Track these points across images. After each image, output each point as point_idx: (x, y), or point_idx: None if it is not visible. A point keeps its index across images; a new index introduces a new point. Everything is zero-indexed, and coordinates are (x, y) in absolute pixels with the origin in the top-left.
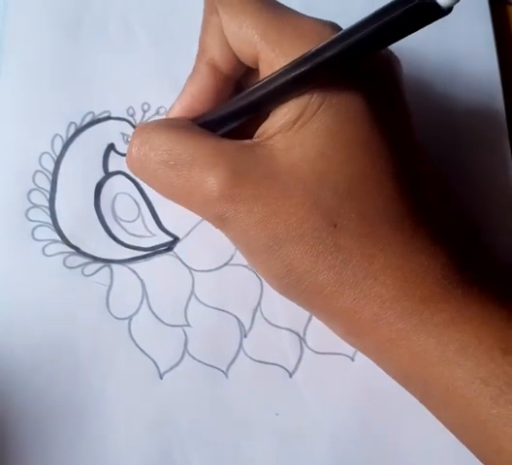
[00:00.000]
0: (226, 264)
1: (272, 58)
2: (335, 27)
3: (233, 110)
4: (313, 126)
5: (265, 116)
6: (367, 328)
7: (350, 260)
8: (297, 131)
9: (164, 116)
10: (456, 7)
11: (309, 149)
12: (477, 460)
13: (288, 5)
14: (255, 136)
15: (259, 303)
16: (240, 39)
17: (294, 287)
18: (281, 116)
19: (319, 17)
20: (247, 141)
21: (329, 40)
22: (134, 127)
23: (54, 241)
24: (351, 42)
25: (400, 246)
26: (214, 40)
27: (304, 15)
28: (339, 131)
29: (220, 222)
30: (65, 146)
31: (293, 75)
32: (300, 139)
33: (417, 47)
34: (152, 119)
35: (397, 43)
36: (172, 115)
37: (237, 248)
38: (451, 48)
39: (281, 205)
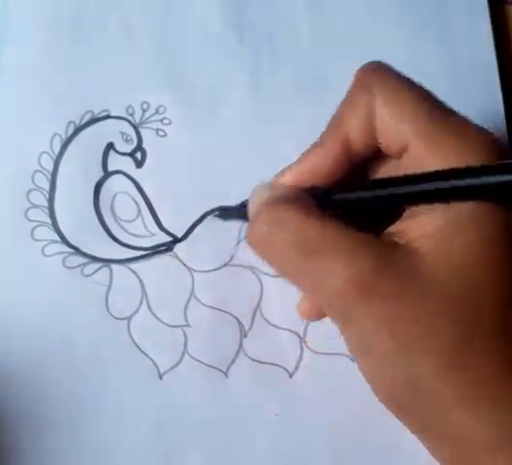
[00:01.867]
0: (226, 265)
1: (425, 157)
2: (498, 142)
3: (368, 198)
4: (464, 234)
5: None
6: (483, 457)
7: (479, 380)
8: (445, 237)
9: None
10: (455, 7)
11: (460, 258)
12: None
13: (292, 4)
14: (391, 231)
15: (259, 304)
16: (392, 127)
17: (409, 401)
18: (427, 220)
19: (319, 17)
20: (388, 239)
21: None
22: (133, 126)
23: (54, 241)
24: None
25: None
26: (357, 117)
27: (465, 119)
28: (494, 243)
29: (342, 313)
30: (64, 146)
31: (454, 184)
32: (449, 246)
33: (416, 47)
34: (152, 118)
35: (397, 42)
36: (282, 180)
37: (349, 345)
38: (450, 48)
39: (417, 311)
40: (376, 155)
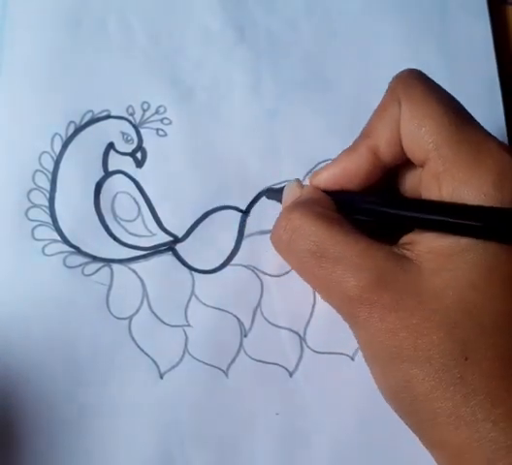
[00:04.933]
0: (226, 264)
1: (440, 173)
2: None
3: (383, 212)
4: (469, 256)
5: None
6: None
7: (473, 397)
8: (450, 256)
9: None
10: (455, 7)
11: (461, 277)
12: None
13: (292, 3)
14: (403, 242)
15: (259, 303)
16: (415, 140)
17: (407, 404)
18: (436, 237)
19: (319, 16)
20: (396, 251)
21: None
22: (134, 126)
23: (54, 241)
24: None
25: None
26: (385, 128)
27: (486, 135)
28: (497, 267)
29: (352, 320)
30: (65, 145)
31: (463, 222)
32: (452, 264)
33: (416, 48)
34: (152, 118)
35: (397, 43)
36: (316, 182)
37: (361, 349)
38: (450, 48)
39: (416, 323)
40: (409, 165)
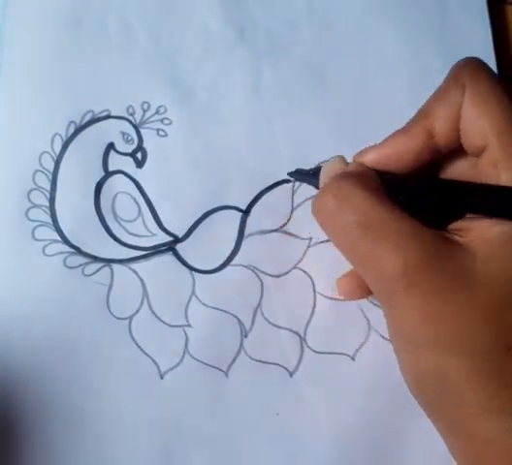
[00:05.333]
0: (227, 264)
1: (499, 161)
2: None
3: (433, 195)
4: None
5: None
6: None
7: (508, 389)
8: (505, 244)
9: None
10: (455, 7)
11: None
12: None
13: (292, 3)
14: (453, 228)
15: (259, 303)
16: (476, 125)
17: (431, 391)
18: (489, 224)
19: (319, 16)
20: (445, 234)
21: None
22: (134, 126)
23: (54, 241)
24: None
25: None
26: (445, 110)
27: None
28: None
29: (387, 297)
30: (65, 146)
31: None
32: (505, 252)
33: (416, 48)
34: (152, 118)
35: (397, 43)
36: (363, 159)
37: (388, 326)
38: (450, 48)
39: (460, 309)
40: (456, 154)
